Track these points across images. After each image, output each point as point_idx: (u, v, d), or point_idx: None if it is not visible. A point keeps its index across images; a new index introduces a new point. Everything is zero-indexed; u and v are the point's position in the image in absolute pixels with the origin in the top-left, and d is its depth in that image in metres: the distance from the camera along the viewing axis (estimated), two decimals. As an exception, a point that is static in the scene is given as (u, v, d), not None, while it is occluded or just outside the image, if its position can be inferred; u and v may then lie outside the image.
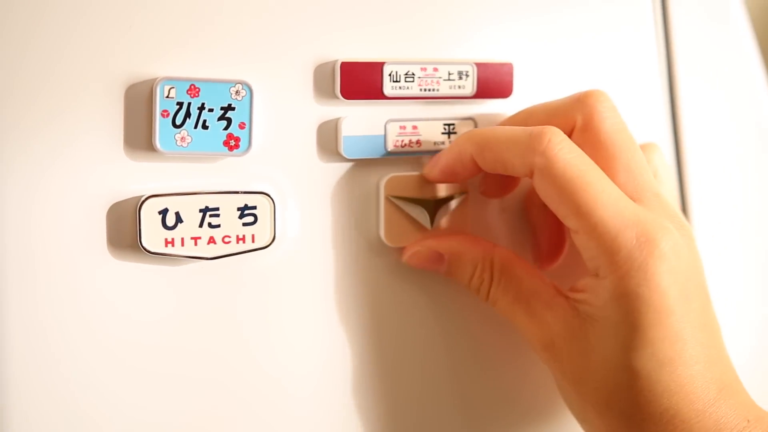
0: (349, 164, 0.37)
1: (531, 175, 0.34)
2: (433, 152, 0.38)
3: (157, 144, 0.33)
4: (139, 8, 0.33)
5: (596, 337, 0.33)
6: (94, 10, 0.32)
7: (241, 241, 0.34)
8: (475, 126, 0.39)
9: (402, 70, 0.37)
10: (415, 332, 0.39)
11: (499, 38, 0.39)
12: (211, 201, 0.34)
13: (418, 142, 0.38)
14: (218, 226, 0.34)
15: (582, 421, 0.35)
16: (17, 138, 0.31)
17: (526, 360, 0.41)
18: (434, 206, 0.38)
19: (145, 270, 0.34)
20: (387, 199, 0.37)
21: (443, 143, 0.38)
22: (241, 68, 0.34)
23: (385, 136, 0.37)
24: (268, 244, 0.35)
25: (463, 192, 0.39)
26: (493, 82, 0.39)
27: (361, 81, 0.36)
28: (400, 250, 0.38)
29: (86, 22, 0.32)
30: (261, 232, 0.35)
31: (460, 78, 0.38)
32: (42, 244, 0.32)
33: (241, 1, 0.34)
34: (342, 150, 0.36)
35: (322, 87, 0.36)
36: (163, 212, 0.33)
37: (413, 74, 0.37)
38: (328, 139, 0.36)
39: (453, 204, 0.38)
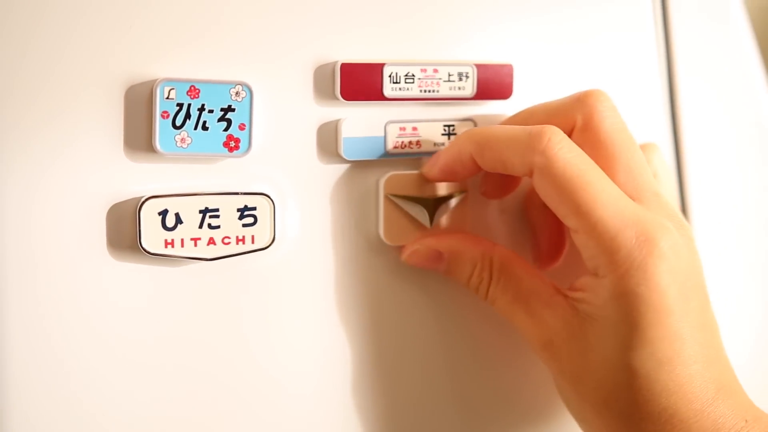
0: (348, 165, 0.37)
1: (531, 174, 0.34)
2: (433, 153, 0.38)
3: (157, 145, 0.33)
4: (139, 9, 0.33)
5: (595, 337, 0.33)
6: (94, 10, 0.32)
7: (240, 242, 0.34)
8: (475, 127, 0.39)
9: (402, 72, 0.37)
10: (414, 331, 0.39)
11: (499, 39, 0.39)
12: (210, 202, 0.34)
13: (417, 143, 0.38)
14: (218, 227, 0.34)
15: (580, 420, 0.35)
16: (17, 139, 0.31)
17: (525, 359, 0.41)
18: (434, 205, 0.38)
19: (144, 271, 0.34)
20: (386, 197, 0.37)
21: (443, 144, 0.38)
22: (241, 69, 0.34)
23: (385, 137, 0.37)
24: (267, 245, 0.35)
25: (462, 191, 0.39)
26: (493, 84, 0.39)
27: (361, 82, 0.36)
28: (400, 248, 0.38)
29: (86, 22, 0.32)
30: (261, 233, 0.35)
31: (460, 79, 0.38)
32: (42, 244, 0.32)
33: (240, 2, 0.34)
34: (342, 151, 0.36)
35: (322, 88, 0.36)
36: (163, 213, 0.33)
37: (413, 75, 0.37)
38: (327, 141, 0.36)
39: (452, 203, 0.38)
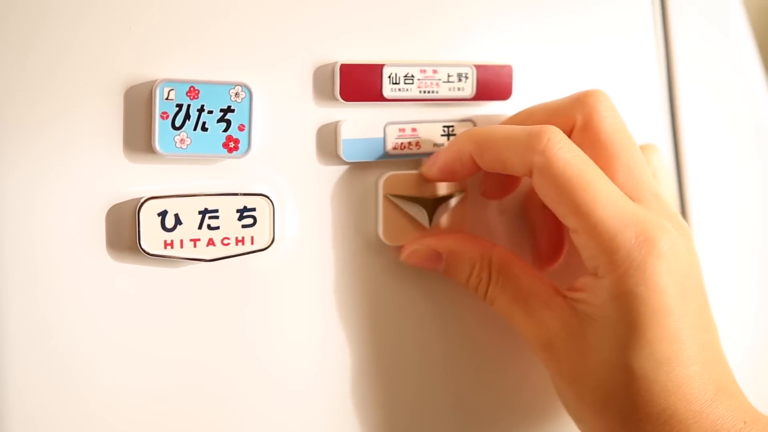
0: (348, 166, 0.37)
1: (530, 174, 0.34)
2: (432, 154, 0.38)
3: (157, 146, 0.33)
4: (139, 10, 0.33)
5: (594, 337, 0.33)
6: (94, 12, 0.32)
7: (240, 243, 0.34)
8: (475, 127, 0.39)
9: (401, 72, 0.37)
10: (413, 331, 0.39)
11: (498, 40, 0.39)
12: (210, 203, 0.34)
13: (417, 144, 0.38)
14: (217, 227, 0.34)
15: (579, 421, 0.35)
16: (17, 140, 0.31)
17: (524, 360, 0.41)
18: (433, 205, 0.38)
19: (144, 272, 0.34)
20: (386, 197, 0.37)
21: (442, 145, 0.38)
22: (240, 70, 0.34)
23: (384, 138, 0.37)
24: (267, 245, 0.35)
25: (462, 191, 0.39)
26: (492, 84, 0.39)
27: (360, 83, 0.36)
28: (399, 249, 0.38)
29: (86, 24, 0.32)
30: (260, 233, 0.35)
31: (460, 80, 0.38)
32: (42, 245, 0.32)
33: (240, 3, 0.34)
34: (341, 153, 0.36)
35: (321, 89, 0.36)
36: (163, 214, 0.33)
37: (412, 76, 0.37)
38: (327, 142, 0.36)
39: (452, 203, 0.38)
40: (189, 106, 0.33)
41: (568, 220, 0.33)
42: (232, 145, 0.34)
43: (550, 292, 0.35)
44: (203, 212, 0.34)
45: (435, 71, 0.37)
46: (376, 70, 0.36)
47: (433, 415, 0.40)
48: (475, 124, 0.39)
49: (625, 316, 0.32)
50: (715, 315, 0.34)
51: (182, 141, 0.33)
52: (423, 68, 0.37)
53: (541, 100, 0.38)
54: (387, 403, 0.39)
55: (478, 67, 0.38)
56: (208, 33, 0.34)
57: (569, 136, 0.36)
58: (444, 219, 0.39)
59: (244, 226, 0.35)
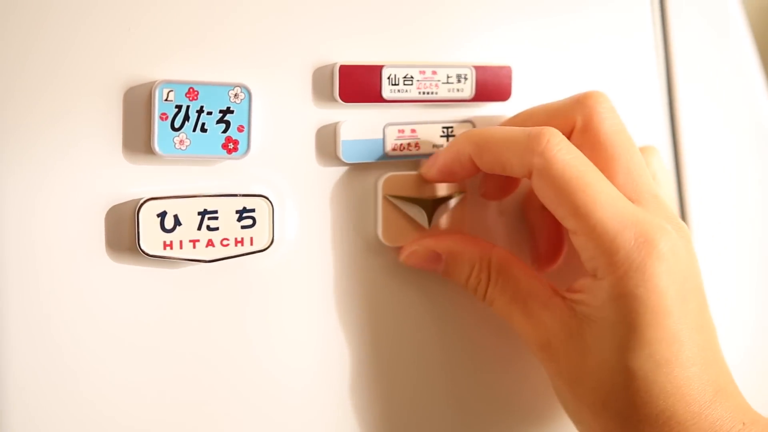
0: (347, 167, 0.37)
1: (529, 176, 0.34)
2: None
3: (156, 147, 0.33)
4: (139, 11, 0.33)
5: (593, 338, 0.33)
6: (93, 13, 0.32)
7: (239, 244, 0.34)
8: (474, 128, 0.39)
9: (401, 74, 0.37)
10: (412, 331, 0.39)
11: (497, 41, 0.39)
12: (209, 204, 0.34)
13: (416, 145, 0.38)
14: (217, 228, 0.34)
15: (577, 422, 0.35)
16: (17, 141, 0.31)
17: (523, 361, 0.41)
18: (432, 206, 0.38)
19: (143, 273, 0.34)
20: (385, 198, 0.37)
21: (442, 146, 0.38)
22: (239, 71, 0.34)
23: (383, 139, 0.37)
24: (266, 246, 0.35)
25: (461, 191, 0.39)
26: (491, 85, 0.39)
27: (359, 84, 0.36)
28: (398, 249, 0.38)
29: (86, 25, 0.32)
30: (259, 234, 0.35)
31: (459, 81, 0.38)
32: (42, 246, 0.32)
33: (239, 4, 0.34)
34: (341, 154, 0.36)
35: (320, 90, 0.36)
36: (162, 215, 0.33)
37: (412, 77, 0.37)
38: (326, 143, 0.36)
39: (451, 203, 0.39)
40: (188, 107, 0.33)
41: (568, 222, 0.33)
42: (231, 146, 0.34)
43: (549, 293, 0.35)
44: (202, 213, 0.34)
45: (434, 72, 0.37)
46: (376, 71, 0.36)
47: (433, 415, 0.40)
48: (474, 125, 0.39)
49: (625, 318, 0.32)
50: (714, 316, 0.34)
51: (181, 142, 0.33)
52: (422, 69, 0.37)
53: (540, 101, 0.38)
54: (386, 404, 0.39)
55: (477, 68, 0.38)
56: (207, 34, 0.34)
57: (569, 137, 0.36)
58: (443, 220, 0.39)
59: (243, 227, 0.35)
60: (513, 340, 0.40)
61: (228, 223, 0.34)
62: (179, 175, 0.34)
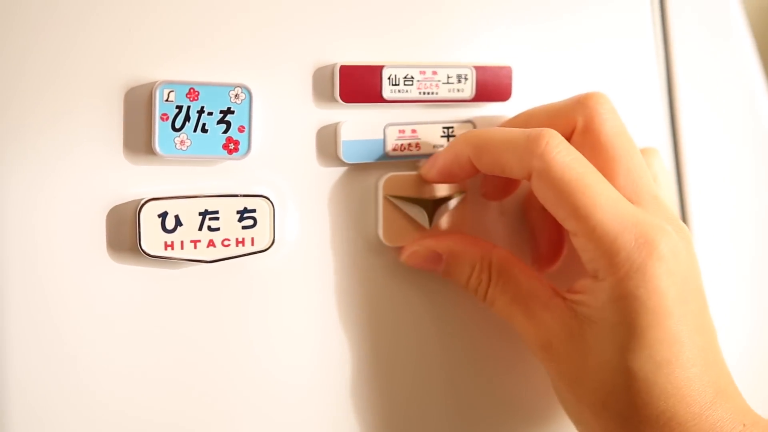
0: (348, 167, 0.37)
1: (529, 177, 0.34)
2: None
3: (157, 147, 0.33)
4: (139, 12, 0.33)
5: (594, 339, 0.33)
6: (94, 14, 0.32)
7: (240, 244, 0.34)
8: (474, 129, 0.39)
9: (401, 74, 0.37)
10: (413, 331, 0.39)
11: (497, 41, 0.39)
12: (210, 204, 0.34)
13: (417, 145, 0.38)
14: (218, 229, 0.34)
15: (578, 422, 0.35)
16: (19, 142, 0.31)
17: (524, 362, 0.41)
18: (433, 206, 0.38)
19: (144, 273, 0.34)
20: (385, 198, 0.37)
21: (442, 146, 0.38)
22: (240, 72, 0.34)
23: (384, 139, 0.37)
24: (267, 247, 0.35)
25: (461, 192, 0.39)
26: (491, 86, 0.39)
27: (360, 84, 0.36)
28: (399, 249, 0.38)
29: (86, 26, 0.32)
30: (260, 235, 0.35)
31: (459, 81, 0.38)
32: (43, 246, 0.32)
33: (240, 5, 0.34)
34: (341, 155, 0.36)
35: (321, 90, 0.36)
36: (163, 215, 0.33)
37: (412, 77, 0.37)
38: (327, 143, 0.36)
39: (451, 204, 0.39)
40: (189, 107, 0.33)
41: (568, 223, 0.33)
42: (232, 146, 0.34)
43: (550, 293, 0.36)
44: (203, 213, 0.34)
45: (434, 72, 0.37)
46: (376, 71, 0.36)
47: (433, 416, 0.40)
48: (475, 126, 0.39)
49: (625, 318, 0.32)
50: (714, 317, 0.35)
51: (182, 142, 0.33)
52: (422, 69, 0.37)
53: (540, 101, 0.38)
54: (386, 404, 0.39)
55: (477, 68, 0.38)
56: (207, 35, 0.34)
57: (570, 138, 0.36)
58: (444, 220, 0.39)
59: (244, 228, 0.35)
60: (513, 341, 0.40)
61: (229, 224, 0.34)
62: (180, 176, 0.34)
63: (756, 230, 0.48)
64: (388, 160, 0.37)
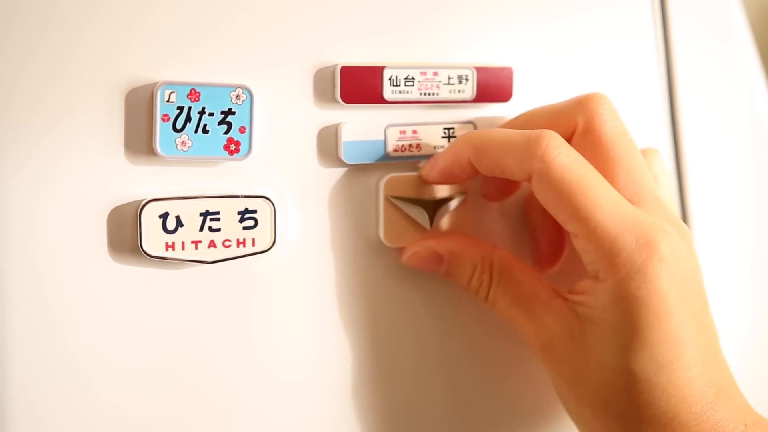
0: (348, 168, 0.37)
1: (529, 179, 0.34)
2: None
3: (158, 148, 0.33)
4: (140, 13, 0.33)
5: (595, 339, 0.33)
6: (95, 15, 0.32)
7: (241, 245, 0.34)
8: (475, 130, 0.39)
9: (402, 75, 0.37)
10: (414, 332, 0.39)
11: (498, 42, 0.40)
12: (211, 205, 0.34)
13: (418, 146, 0.38)
14: (219, 229, 0.34)
15: (579, 423, 0.35)
16: (20, 143, 0.31)
17: (525, 363, 0.41)
18: (433, 207, 0.38)
19: (145, 274, 0.34)
20: (386, 199, 0.37)
21: (443, 147, 0.38)
22: (241, 72, 0.34)
23: (385, 140, 0.37)
24: (268, 247, 0.35)
25: (462, 193, 0.39)
26: (492, 86, 0.39)
27: (361, 85, 0.36)
28: (399, 250, 0.38)
29: (87, 27, 0.32)
30: (261, 235, 0.35)
31: (460, 82, 0.38)
32: (44, 247, 0.32)
33: (241, 6, 0.34)
34: (342, 155, 0.36)
35: (322, 91, 0.36)
36: (164, 216, 0.33)
37: (413, 78, 0.37)
38: (328, 144, 0.36)
39: (452, 205, 0.39)
40: (190, 108, 0.33)
41: (569, 225, 0.33)
42: (233, 147, 0.34)
43: (551, 294, 0.36)
44: (204, 214, 0.34)
45: (435, 73, 0.37)
46: (377, 72, 0.36)
47: (434, 417, 0.40)
48: (475, 126, 0.39)
49: (626, 319, 0.32)
50: (714, 317, 0.35)
51: (183, 143, 0.33)
52: (423, 70, 0.37)
53: (541, 102, 0.38)
54: (387, 405, 0.39)
55: (478, 69, 0.38)
56: (208, 35, 0.34)
57: (570, 139, 0.36)
58: (445, 221, 0.39)
59: (245, 228, 0.35)
60: (514, 342, 0.40)
61: (230, 224, 0.34)
62: (181, 177, 0.34)
63: (756, 230, 0.48)
64: (388, 160, 0.37)
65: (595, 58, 0.42)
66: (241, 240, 0.34)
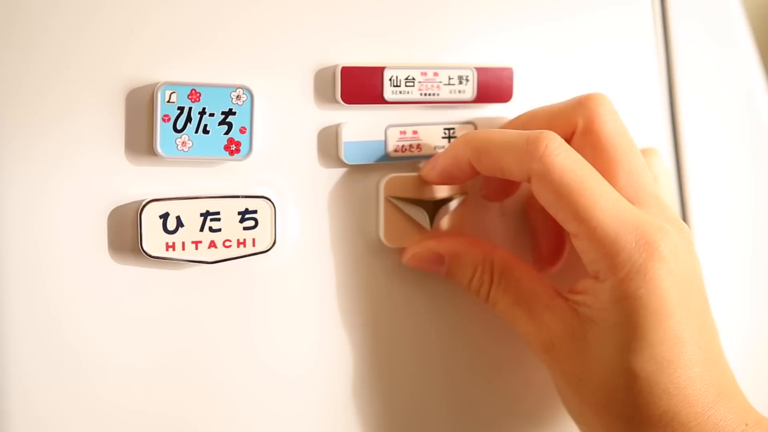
0: (349, 168, 0.37)
1: (529, 180, 0.34)
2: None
3: (158, 148, 0.33)
4: (141, 14, 0.33)
5: (595, 339, 0.33)
6: (96, 15, 0.32)
7: (241, 245, 0.35)
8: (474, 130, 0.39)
9: (402, 75, 0.37)
10: (414, 332, 0.39)
11: (499, 43, 0.40)
12: (211, 205, 0.34)
13: (418, 146, 0.38)
14: (219, 230, 0.34)
15: (580, 423, 0.35)
16: (20, 144, 0.31)
17: (526, 362, 0.41)
18: (434, 207, 0.38)
19: (146, 274, 0.34)
20: (387, 199, 0.37)
21: (443, 148, 0.38)
22: (241, 73, 0.34)
23: (385, 141, 0.37)
24: (268, 248, 0.35)
25: (462, 193, 0.39)
26: (493, 87, 0.39)
27: (361, 86, 0.36)
28: (400, 250, 0.38)
29: (88, 27, 0.32)
30: (262, 236, 0.35)
31: (460, 82, 0.38)
32: (45, 247, 0.32)
33: (242, 6, 0.34)
34: (343, 156, 0.36)
35: (322, 91, 0.36)
36: (164, 216, 0.33)
37: (413, 79, 0.37)
38: (328, 144, 0.36)
39: (452, 205, 0.39)
40: (190, 108, 0.33)
41: (569, 225, 0.33)
42: (233, 147, 0.34)
43: (552, 294, 0.36)
44: (205, 214, 0.34)
45: (436, 74, 0.37)
46: (377, 72, 0.36)
47: (435, 418, 0.40)
48: (476, 127, 0.39)
49: (627, 319, 0.32)
50: (715, 317, 0.35)
51: (184, 144, 0.33)
52: (424, 71, 0.37)
53: (541, 102, 0.38)
54: (388, 406, 0.39)
55: (478, 69, 0.38)
56: (209, 36, 0.34)
57: (570, 139, 0.36)
58: (445, 221, 0.39)
59: (245, 229, 0.35)
60: (514, 342, 0.40)
61: (230, 225, 0.34)
62: (181, 177, 0.34)
63: (756, 230, 0.48)
64: (389, 161, 0.37)
65: (595, 59, 0.42)
66: (241, 240, 0.35)
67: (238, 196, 0.34)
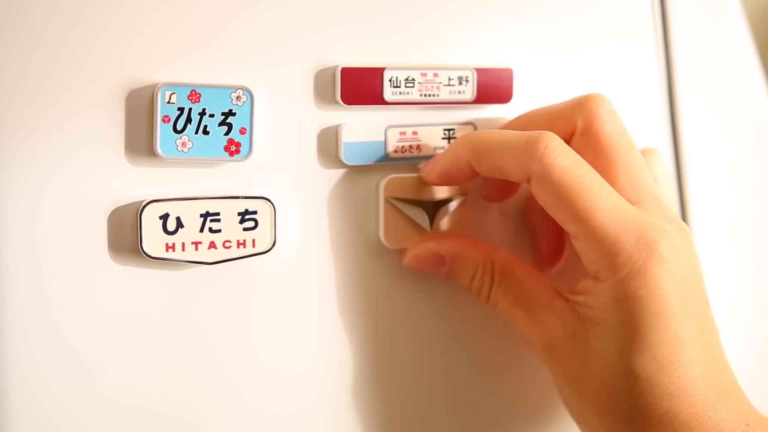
0: (349, 169, 0.37)
1: (528, 181, 0.34)
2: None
3: (158, 149, 0.33)
4: (141, 14, 0.33)
5: (596, 340, 0.33)
6: (96, 16, 0.32)
7: (241, 246, 0.34)
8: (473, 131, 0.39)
9: (402, 76, 0.37)
10: (415, 333, 0.39)
11: (499, 43, 0.40)
12: (211, 206, 0.34)
13: (418, 147, 0.38)
14: (219, 231, 0.34)
15: (581, 423, 0.35)
16: (20, 144, 0.31)
17: (527, 363, 0.41)
18: (434, 208, 0.38)
19: (146, 275, 0.34)
20: (386, 200, 0.37)
21: (443, 148, 0.38)
22: (241, 74, 0.34)
23: (385, 141, 0.37)
24: (268, 248, 0.35)
25: (462, 194, 0.39)
26: (493, 88, 0.39)
27: (361, 86, 0.36)
28: (400, 251, 0.38)
29: (88, 28, 0.32)
30: (261, 236, 0.35)
31: (460, 83, 0.38)
32: (44, 248, 0.32)
33: (241, 7, 0.34)
34: (342, 156, 0.36)
35: (322, 92, 0.36)
36: (164, 217, 0.33)
37: (413, 80, 0.37)
38: (328, 145, 0.36)
39: (452, 206, 0.39)
40: (190, 109, 0.33)
41: (568, 226, 0.33)
42: (233, 148, 0.34)
43: (552, 294, 0.36)
44: (205, 215, 0.34)
45: (436, 74, 0.37)
46: (377, 73, 0.36)
47: (435, 418, 0.40)
48: (475, 127, 0.39)
49: (627, 319, 0.32)
50: (715, 317, 0.34)
51: (184, 144, 0.33)
52: (424, 71, 0.37)
53: (541, 103, 0.38)
54: (389, 407, 0.39)
55: (478, 70, 0.38)
56: (209, 37, 0.34)
57: (570, 140, 0.36)
58: (445, 222, 0.39)
59: (245, 229, 0.35)
60: (515, 342, 0.40)
61: (230, 225, 0.34)
62: (181, 178, 0.34)
63: (755, 230, 0.48)
64: (389, 161, 0.37)
65: (595, 59, 0.42)
66: (241, 241, 0.34)
67: (237, 197, 0.34)
